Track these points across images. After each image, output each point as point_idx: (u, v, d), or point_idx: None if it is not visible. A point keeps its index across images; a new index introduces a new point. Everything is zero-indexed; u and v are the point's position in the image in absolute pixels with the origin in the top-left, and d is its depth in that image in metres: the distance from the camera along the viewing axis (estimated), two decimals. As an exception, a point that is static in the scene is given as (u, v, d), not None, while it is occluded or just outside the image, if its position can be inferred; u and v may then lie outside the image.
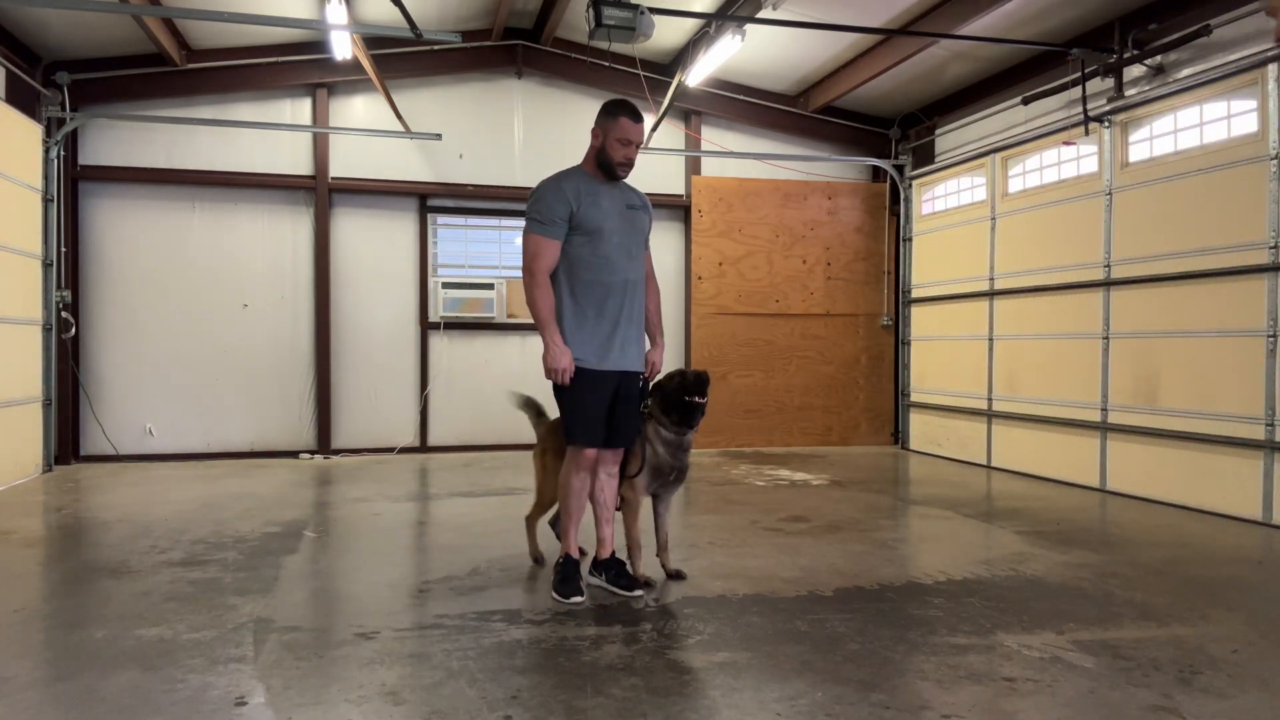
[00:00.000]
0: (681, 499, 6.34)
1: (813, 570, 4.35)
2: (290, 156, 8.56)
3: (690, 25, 7.85)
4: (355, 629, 3.41)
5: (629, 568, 4.01)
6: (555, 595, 3.82)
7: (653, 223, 4.07)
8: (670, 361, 9.07)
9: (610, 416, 3.85)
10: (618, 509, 4.07)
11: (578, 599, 3.78)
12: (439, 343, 8.97)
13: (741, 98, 9.39)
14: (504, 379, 8.71)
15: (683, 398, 3.81)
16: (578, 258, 3.81)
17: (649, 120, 8.87)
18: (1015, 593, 3.99)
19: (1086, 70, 6.89)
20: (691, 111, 9.36)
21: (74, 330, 7.91)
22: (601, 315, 3.82)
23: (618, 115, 3.77)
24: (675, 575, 4.15)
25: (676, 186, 9.45)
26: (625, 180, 3.99)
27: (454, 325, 8.94)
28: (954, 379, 8.76)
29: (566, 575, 3.87)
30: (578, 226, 3.79)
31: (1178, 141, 6.37)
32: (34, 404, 7.34)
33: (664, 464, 3.95)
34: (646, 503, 4.13)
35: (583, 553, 4.27)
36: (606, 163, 3.82)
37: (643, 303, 3.97)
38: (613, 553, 4.01)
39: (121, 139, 8.18)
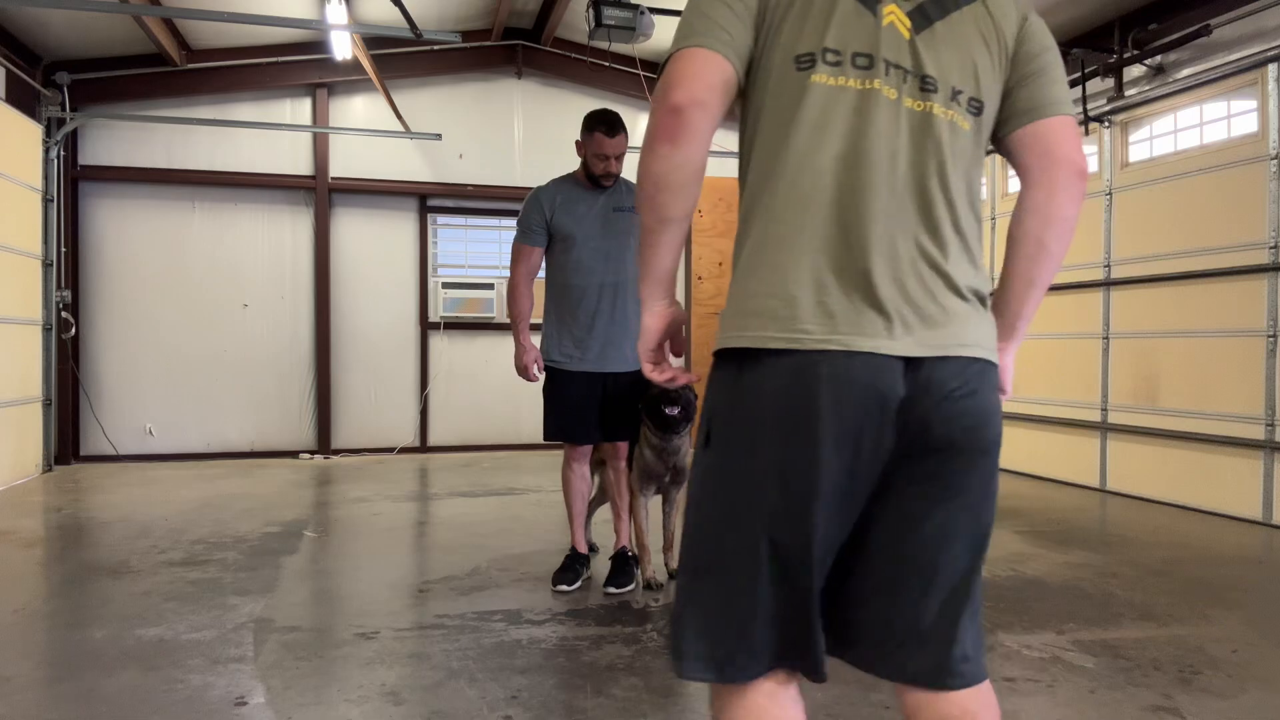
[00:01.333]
0: (681, 499, 6.33)
1: (813, 570, 4.35)
2: (290, 156, 8.57)
3: (690, 25, 7.84)
4: (355, 629, 3.41)
5: (633, 567, 4.06)
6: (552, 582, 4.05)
7: None
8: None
9: (602, 414, 3.99)
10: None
11: (563, 587, 3.96)
12: (439, 343, 8.97)
13: (741, 98, 9.38)
14: (504, 379, 8.70)
15: (659, 407, 3.84)
16: (554, 262, 4.07)
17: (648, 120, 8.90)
18: (1015, 593, 3.99)
19: (1086, 70, 6.89)
20: (691, 111, 9.35)
21: (74, 330, 7.91)
22: (573, 317, 3.99)
23: (593, 130, 3.90)
24: (675, 576, 4.15)
25: (676, 186, 9.45)
26: (629, 180, 4.04)
27: (454, 325, 8.94)
28: (954, 379, 8.76)
29: (563, 565, 4.07)
30: (554, 233, 4.03)
31: (1178, 141, 6.37)
32: (34, 404, 7.34)
33: (651, 466, 3.97)
34: (654, 504, 4.16)
35: (593, 548, 4.31)
36: (590, 175, 3.99)
37: (632, 304, 4.02)
38: (622, 549, 4.06)
39: (121, 139, 8.18)
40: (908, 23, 1.38)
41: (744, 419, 1.35)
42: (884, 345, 1.30)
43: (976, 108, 1.42)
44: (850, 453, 1.31)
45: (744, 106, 1.45)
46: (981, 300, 1.44)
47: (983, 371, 1.39)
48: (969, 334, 1.38)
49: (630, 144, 3.93)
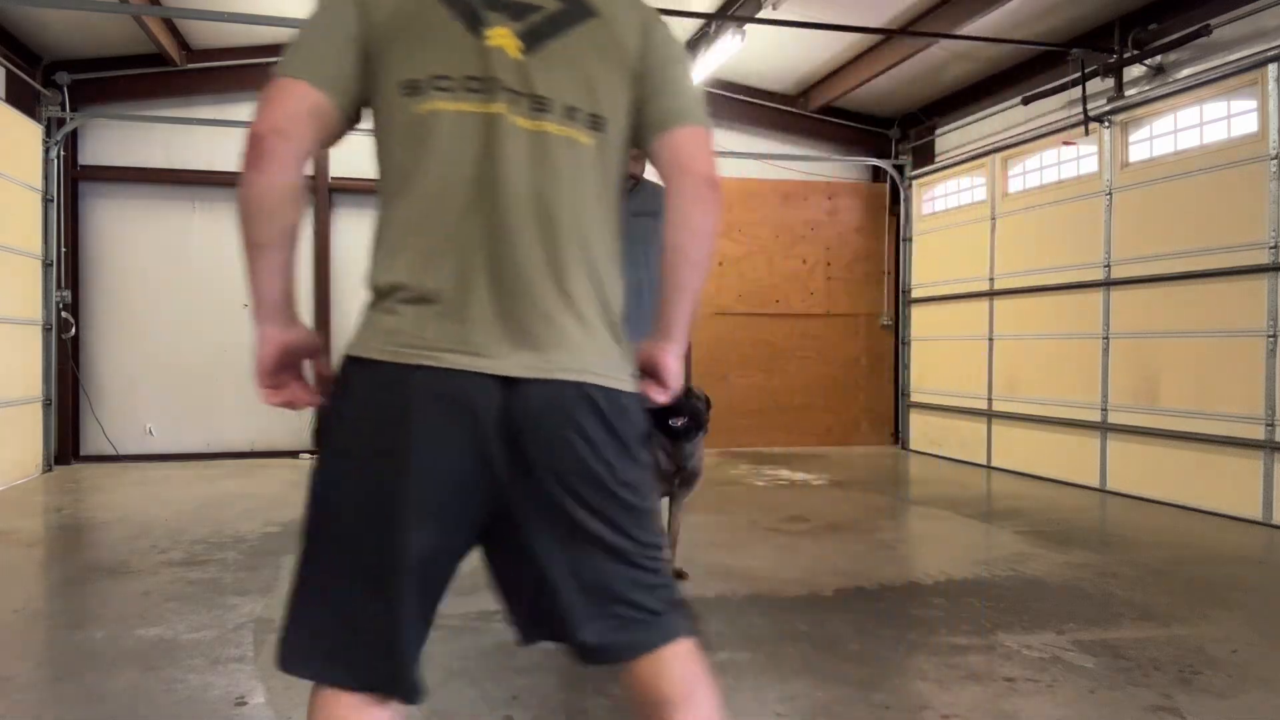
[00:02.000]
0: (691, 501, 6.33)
1: (813, 570, 4.35)
2: (290, 156, 8.55)
3: (690, 25, 7.85)
4: (355, 629, 3.41)
5: None
6: None
7: None
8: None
9: None
10: None
11: None
12: (439, 343, 8.96)
13: (741, 98, 9.39)
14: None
15: (665, 420, 3.83)
16: None
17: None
18: (1015, 593, 3.99)
19: (1086, 70, 6.89)
20: (691, 111, 9.34)
21: (74, 330, 7.91)
22: None
23: None
24: (677, 575, 4.15)
25: (676, 186, 9.44)
26: (656, 184, 4.09)
27: (454, 325, 8.93)
28: (954, 379, 8.76)
29: None
30: None
31: (1178, 141, 6.37)
32: (34, 404, 7.34)
33: (664, 469, 3.96)
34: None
35: None
36: None
37: (645, 306, 4.00)
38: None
39: (121, 139, 8.18)
40: (519, 44, 1.40)
41: (343, 426, 1.39)
42: (485, 364, 1.33)
43: (596, 123, 1.43)
44: (446, 468, 1.33)
45: (374, 132, 1.46)
46: (609, 318, 1.45)
47: (592, 395, 1.40)
48: (578, 359, 1.40)
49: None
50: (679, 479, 4.02)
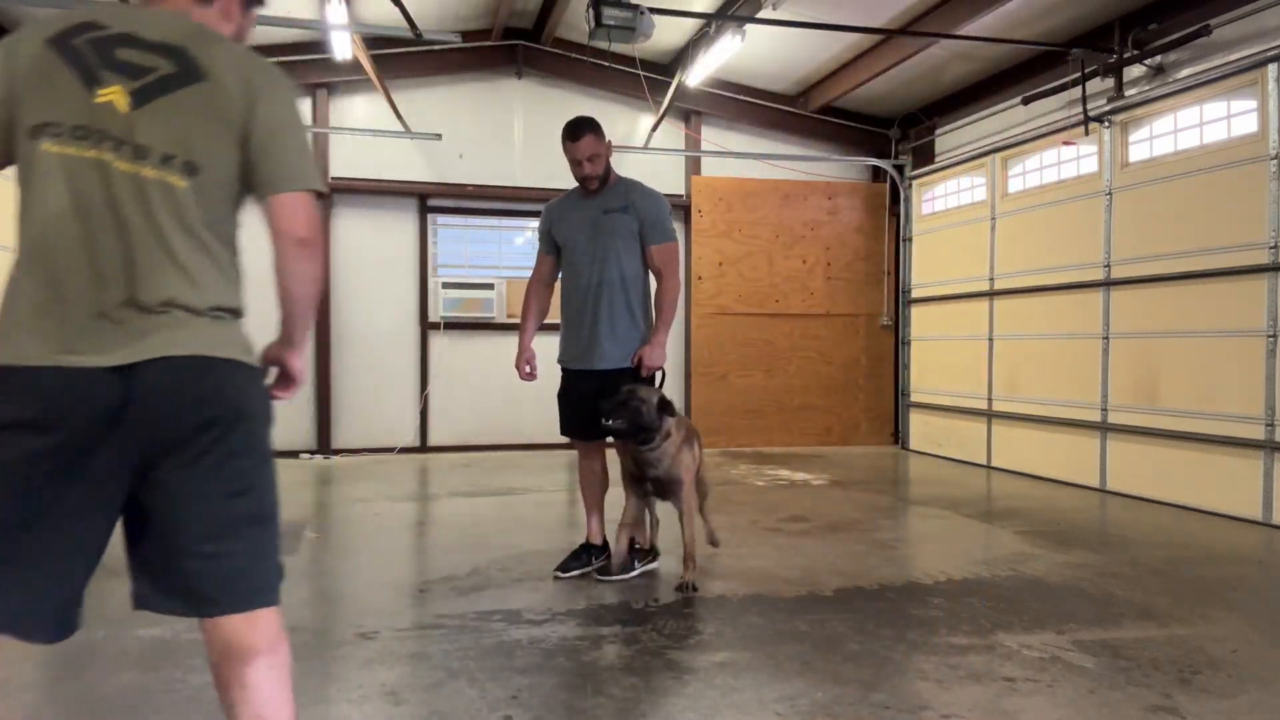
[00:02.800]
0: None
1: (813, 570, 4.35)
2: (290, 156, 8.54)
3: (690, 25, 7.85)
4: (355, 629, 3.41)
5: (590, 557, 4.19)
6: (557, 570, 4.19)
7: (646, 218, 4.10)
8: (672, 360, 8.99)
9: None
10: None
11: (558, 573, 4.11)
12: (439, 343, 8.96)
13: (741, 98, 9.39)
14: (504, 379, 8.67)
15: (601, 412, 3.75)
16: (562, 269, 4.27)
17: (648, 120, 8.93)
18: (1015, 593, 3.99)
19: (1086, 70, 6.89)
20: (691, 111, 9.36)
21: (74, 330, 7.90)
22: (568, 318, 4.21)
23: (563, 139, 4.09)
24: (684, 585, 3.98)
25: (676, 186, 9.45)
26: (629, 180, 4.26)
27: (454, 325, 8.93)
28: (954, 379, 8.76)
29: (572, 552, 4.21)
30: (556, 241, 4.25)
31: (1178, 141, 6.37)
32: (34, 404, 7.34)
33: (630, 472, 3.95)
34: (665, 509, 4.16)
35: (640, 549, 4.26)
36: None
37: (620, 303, 4.05)
38: (618, 546, 4.13)
39: (121, 139, 8.16)
40: (129, 100, 1.67)
41: None
42: (90, 359, 1.59)
43: (190, 169, 1.69)
44: (69, 449, 1.59)
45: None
46: (212, 310, 1.70)
47: (194, 365, 1.66)
48: (179, 339, 1.65)
49: (621, 145, 3.98)
50: (653, 486, 3.94)
